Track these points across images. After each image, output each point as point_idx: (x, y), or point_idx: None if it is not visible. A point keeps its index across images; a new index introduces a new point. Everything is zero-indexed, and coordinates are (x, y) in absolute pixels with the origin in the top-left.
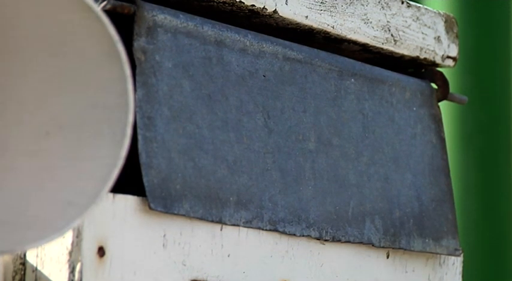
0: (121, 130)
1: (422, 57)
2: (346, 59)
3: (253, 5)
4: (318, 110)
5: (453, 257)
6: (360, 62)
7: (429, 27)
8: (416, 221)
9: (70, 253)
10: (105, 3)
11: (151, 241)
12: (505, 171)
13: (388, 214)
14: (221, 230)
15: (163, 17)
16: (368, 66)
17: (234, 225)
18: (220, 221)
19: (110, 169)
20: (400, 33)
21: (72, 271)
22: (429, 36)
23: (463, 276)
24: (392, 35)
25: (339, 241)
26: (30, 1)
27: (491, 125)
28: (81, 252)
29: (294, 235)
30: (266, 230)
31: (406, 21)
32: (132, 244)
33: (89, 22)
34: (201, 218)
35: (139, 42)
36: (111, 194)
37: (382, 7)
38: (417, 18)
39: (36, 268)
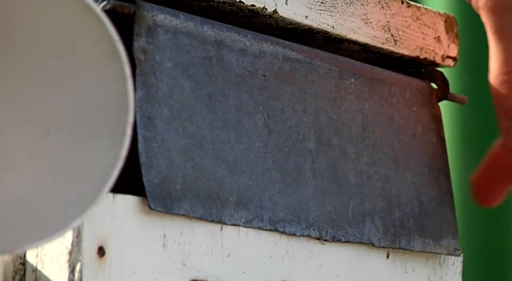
0: (121, 130)
1: (422, 57)
2: (346, 59)
3: (253, 5)
4: (318, 110)
5: (453, 257)
6: (360, 62)
7: (429, 27)
8: (416, 221)
9: (70, 253)
10: (105, 3)
11: (151, 241)
12: None
13: (388, 213)
14: (221, 230)
15: (163, 17)
16: (368, 66)
17: (234, 225)
18: (220, 221)
19: (110, 169)
20: (400, 33)
21: (72, 271)
22: (429, 36)
23: (463, 276)
24: (392, 35)
25: (339, 240)
26: (30, 1)
27: (491, 125)
28: (81, 252)
29: (294, 234)
30: (266, 230)
31: (406, 21)
32: (132, 244)
33: (89, 22)
34: (201, 218)
35: (139, 42)
36: (111, 194)
37: (382, 7)
38: (417, 18)
39: (36, 268)
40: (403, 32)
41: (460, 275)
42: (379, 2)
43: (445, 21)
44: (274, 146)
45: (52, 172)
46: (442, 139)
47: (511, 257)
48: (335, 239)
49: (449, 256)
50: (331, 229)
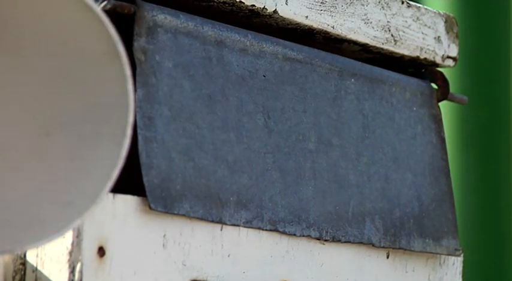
0: (121, 130)
1: (422, 57)
2: (346, 59)
3: (253, 5)
4: (318, 110)
5: (453, 257)
6: (360, 62)
7: (429, 27)
8: (416, 221)
9: (70, 253)
10: (105, 3)
11: (151, 241)
12: (505, 171)
13: (388, 214)
14: (221, 230)
15: (163, 17)
16: (368, 66)
17: (234, 225)
18: (220, 221)
19: (110, 169)
20: (400, 33)
21: (72, 271)
22: (429, 36)
23: (463, 276)
24: (392, 35)
25: (339, 241)
26: (30, 1)
27: (491, 125)
28: (81, 252)
29: (294, 235)
30: (266, 230)
31: (406, 21)
32: (132, 244)
33: (89, 22)
34: (201, 218)
35: (139, 42)
36: (111, 194)
37: (382, 7)
38: (417, 18)
39: (36, 268)
40: (403, 32)
41: (460, 275)
42: (379, 2)
43: (445, 21)
44: (274, 146)
45: (52, 172)
46: (442, 139)
47: (511, 257)
48: (335, 239)
49: (449, 256)
50: (331, 229)
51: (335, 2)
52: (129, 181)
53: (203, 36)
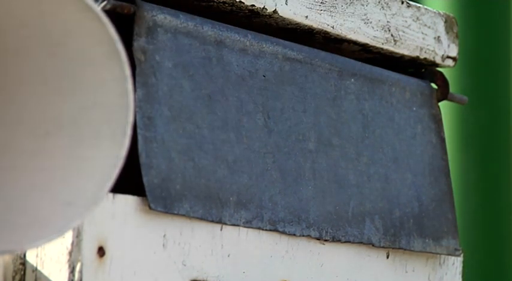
0: (121, 130)
1: (422, 57)
2: (346, 59)
3: (253, 5)
4: (318, 110)
5: (453, 257)
6: (360, 62)
7: (429, 27)
8: (416, 221)
9: (70, 253)
10: (105, 3)
11: (151, 241)
12: (505, 171)
13: (388, 214)
14: (221, 230)
15: (163, 17)
16: (368, 66)
17: (234, 225)
18: (220, 221)
19: (110, 169)
20: (400, 33)
21: (72, 271)
22: (429, 36)
23: (463, 276)
24: (392, 35)
25: (339, 241)
26: (30, 1)
27: (491, 125)
28: (81, 252)
29: (294, 235)
30: (266, 230)
31: (406, 21)
32: (132, 244)
33: (89, 22)
34: (201, 218)
35: (139, 42)
36: (111, 194)
37: (382, 7)
38: (417, 18)
39: (36, 268)
40: (403, 32)
41: (460, 275)
42: (379, 2)
43: (445, 21)
44: (274, 146)
45: (52, 172)
46: (442, 139)
47: (511, 257)
48: (335, 239)
49: (449, 256)
50: (331, 229)
51: (335, 2)
52: (129, 181)
53: (203, 36)
